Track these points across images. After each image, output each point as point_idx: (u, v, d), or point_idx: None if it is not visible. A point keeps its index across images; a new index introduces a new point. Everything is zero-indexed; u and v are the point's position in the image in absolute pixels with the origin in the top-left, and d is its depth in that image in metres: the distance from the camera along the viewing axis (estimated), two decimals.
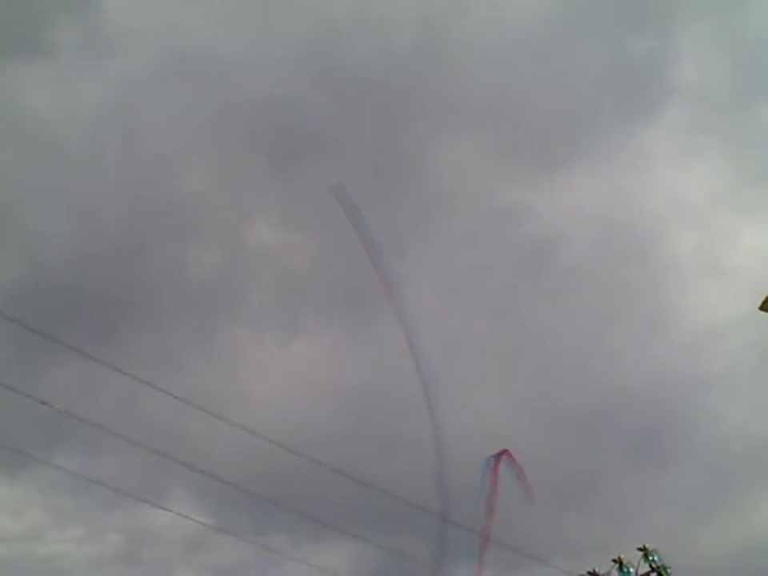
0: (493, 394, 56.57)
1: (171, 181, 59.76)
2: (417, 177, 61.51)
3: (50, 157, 57.65)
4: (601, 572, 23.34)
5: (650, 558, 22.81)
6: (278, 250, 64.34)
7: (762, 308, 15.55)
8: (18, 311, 20.38)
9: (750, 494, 59.04)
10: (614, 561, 23.29)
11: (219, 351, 67.61)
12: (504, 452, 32.27)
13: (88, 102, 60.26)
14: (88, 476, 29.65)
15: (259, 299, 65.48)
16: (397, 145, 60.70)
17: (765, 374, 59.77)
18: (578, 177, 70.48)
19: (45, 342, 19.95)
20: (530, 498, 30.42)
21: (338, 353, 66.23)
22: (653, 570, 22.76)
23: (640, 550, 22.99)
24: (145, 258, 60.78)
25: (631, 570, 23.07)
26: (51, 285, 57.91)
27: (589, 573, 23.32)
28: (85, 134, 60.13)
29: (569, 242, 67.96)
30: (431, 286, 54.80)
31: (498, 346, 61.11)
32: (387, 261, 33.86)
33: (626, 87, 68.12)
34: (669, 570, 22.72)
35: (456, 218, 61.12)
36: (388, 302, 33.97)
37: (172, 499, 49.14)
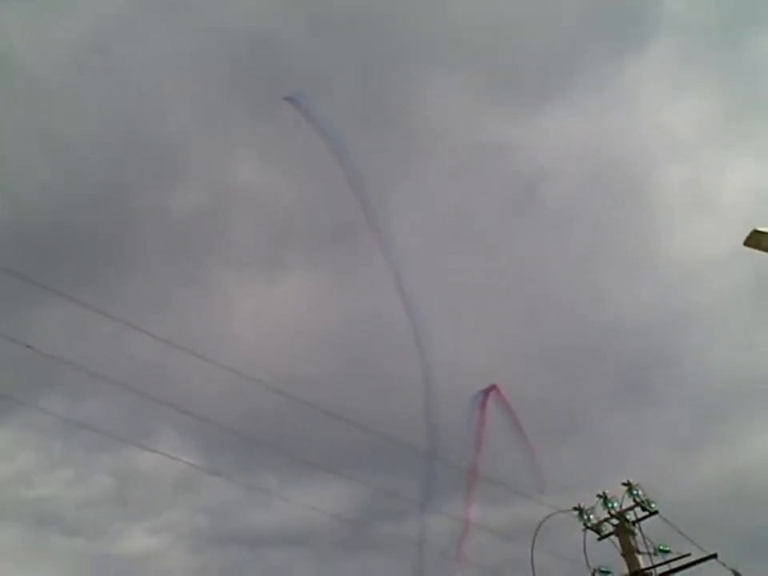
0: (479, 332, 56.89)
1: (152, 118, 58.86)
2: (403, 114, 60.88)
3: (27, 95, 56.51)
4: (586, 507, 23.66)
5: (634, 492, 23.09)
6: (263, 189, 63.88)
7: (746, 243, 15.44)
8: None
9: (734, 428, 60.07)
10: (599, 496, 23.64)
11: (204, 291, 67.63)
12: (492, 387, 32.46)
13: (64, 36, 58.92)
14: (76, 419, 29.76)
15: (244, 238, 65.26)
16: (383, 81, 59.91)
17: (750, 309, 60.32)
18: (565, 112, 69.97)
19: (28, 286, 19.76)
20: (519, 434, 30.71)
21: (325, 292, 66.34)
22: (636, 504, 23.05)
23: (624, 485, 23.25)
24: (127, 198, 60.20)
25: (615, 504, 23.40)
26: (32, 227, 57.33)
27: (574, 508, 23.66)
28: (62, 70, 58.94)
29: (556, 179, 67.78)
30: (418, 224, 54.67)
31: (484, 283, 61.28)
32: (374, 199, 33.59)
33: (613, 20, 67.22)
34: (653, 504, 23.02)
35: (443, 155, 60.70)
36: (375, 240, 33.79)
37: (160, 441, 49.53)
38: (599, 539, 23.40)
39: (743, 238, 15.06)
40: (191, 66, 58.84)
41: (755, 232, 15.10)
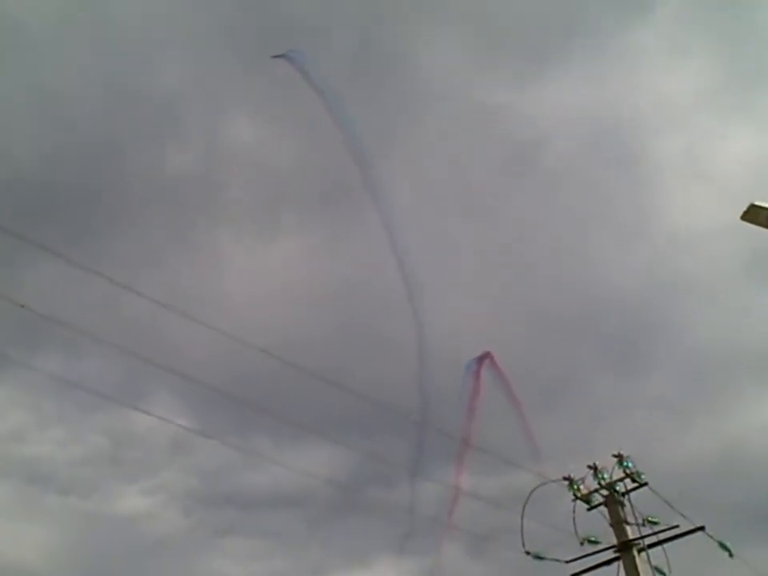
0: (472, 296, 56.84)
1: (145, 74, 58.02)
2: (401, 74, 60.17)
3: (17, 49, 55.65)
4: (576, 477, 23.77)
5: (624, 464, 23.19)
6: (258, 148, 63.30)
7: (743, 218, 15.27)
8: None
9: (726, 399, 60.46)
10: (589, 467, 23.73)
11: (198, 252, 67.34)
12: (486, 354, 32.46)
13: None
14: (69, 379, 29.72)
15: (238, 198, 64.79)
16: (380, 41, 59.18)
17: (745, 280, 60.39)
18: (564, 76, 69.28)
19: (21, 244, 19.55)
20: (514, 401, 30.78)
21: (319, 253, 66.13)
22: (626, 476, 23.16)
23: (615, 456, 23.34)
24: (120, 156, 59.56)
25: (605, 475, 23.52)
26: (24, 184, 56.82)
27: (564, 478, 23.77)
28: (53, 23, 58.00)
29: (552, 143, 67.28)
30: (413, 186, 54.32)
31: (478, 247, 61.13)
32: (370, 159, 33.31)
33: None
34: (642, 476, 23.14)
35: (440, 116, 60.06)
36: (370, 201, 33.59)
37: (154, 402, 49.58)
38: (588, 509, 23.55)
39: (741, 208, 14.91)
40: (184, 18, 57.95)
41: (753, 206, 14.92)
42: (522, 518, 22.85)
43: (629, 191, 68.35)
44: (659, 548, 22.61)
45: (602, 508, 23.52)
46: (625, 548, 22.48)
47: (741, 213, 14.95)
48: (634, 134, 69.63)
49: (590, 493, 23.48)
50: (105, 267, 21.91)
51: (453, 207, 59.39)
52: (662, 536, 22.49)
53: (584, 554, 23.01)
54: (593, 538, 23.04)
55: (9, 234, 18.76)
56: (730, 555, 23.30)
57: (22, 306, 18.39)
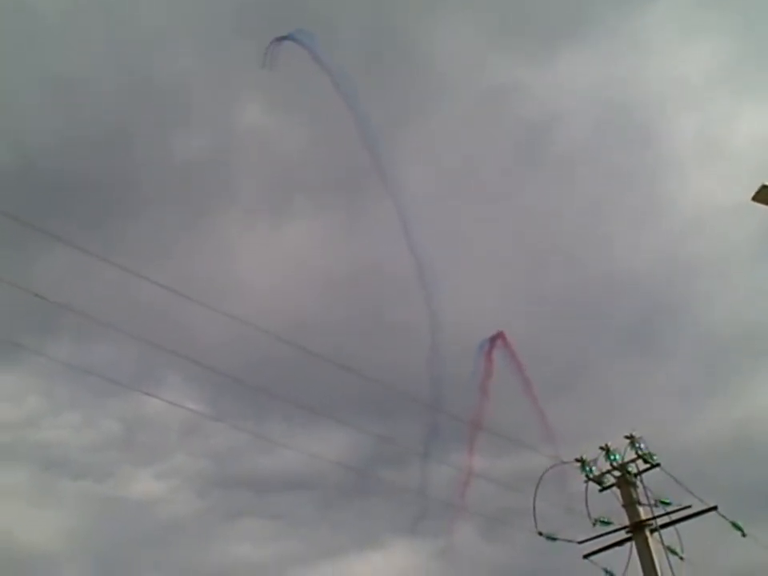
0: (485, 281, 56.73)
1: (155, 60, 57.99)
2: (412, 56, 59.88)
3: (28, 37, 55.73)
4: (588, 459, 23.80)
5: (636, 445, 23.19)
6: (269, 133, 63.20)
7: (755, 199, 15.24)
8: (3, 200, 20.02)
9: (739, 380, 60.21)
10: (601, 448, 23.76)
11: (210, 237, 67.37)
12: (499, 335, 32.48)
13: None
14: (82, 365, 29.89)
15: (250, 184, 64.76)
16: (392, 25, 58.83)
17: (759, 261, 60.00)
18: (576, 57, 68.79)
19: (33, 233, 19.67)
20: (525, 382, 30.81)
21: (331, 238, 66.08)
22: (638, 457, 23.17)
23: (627, 438, 23.34)
24: (130, 142, 59.62)
25: (617, 457, 23.54)
26: (36, 172, 57.02)
27: (576, 460, 23.81)
28: (63, 11, 58.02)
29: (564, 125, 66.81)
30: (425, 170, 54.14)
31: (491, 231, 60.96)
32: (382, 143, 33.27)
33: None
34: (654, 457, 23.14)
35: (452, 98, 59.71)
36: (382, 186, 33.58)
37: (167, 387, 49.93)
38: (601, 490, 23.60)
39: (754, 187, 14.86)
40: (195, 6, 57.85)
41: (765, 187, 14.90)
42: (534, 499, 22.95)
43: (642, 172, 67.92)
44: (672, 528, 22.68)
45: (615, 489, 23.53)
46: (637, 528, 22.52)
47: (754, 189, 14.92)
48: (647, 114, 69.21)
49: (603, 474, 23.52)
50: (117, 254, 22.08)
51: (465, 191, 59.20)
52: (674, 516, 22.55)
53: (596, 534, 23.07)
54: (605, 519, 23.09)
55: (22, 223, 18.87)
56: (743, 535, 23.32)
57: (36, 295, 18.50)
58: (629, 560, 22.41)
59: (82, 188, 61.99)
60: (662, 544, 22.39)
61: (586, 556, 23.22)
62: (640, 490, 23.23)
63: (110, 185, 59.79)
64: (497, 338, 33.12)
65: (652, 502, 22.91)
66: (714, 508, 22.38)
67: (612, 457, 23.47)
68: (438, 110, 60.09)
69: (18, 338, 22.41)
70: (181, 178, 63.67)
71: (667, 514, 22.59)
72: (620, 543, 22.80)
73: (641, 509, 22.88)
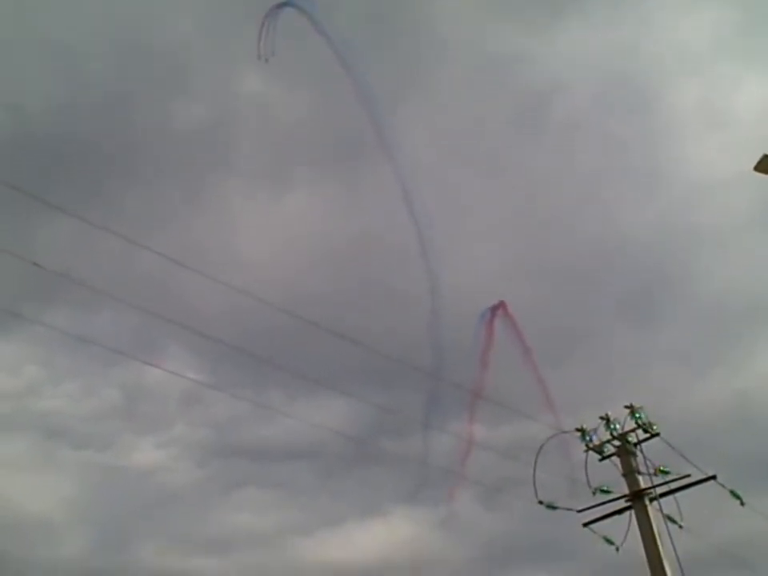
0: (486, 250, 56.63)
1: (154, 27, 57.41)
2: (413, 23, 59.23)
3: (27, 3, 55.11)
4: (588, 428, 23.85)
5: (637, 415, 23.20)
6: (269, 101, 62.69)
7: (756, 169, 15.10)
8: (1, 168, 19.88)
9: (740, 350, 60.28)
10: (602, 418, 23.79)
11: (210, 206, 67.19)
12: (500, 304, 32.45)
13: None
14: (82, 334, 29.90)
15: (250, 152, 64.35)
16: None
17: (759, 230, 59.82)
18: (579, 24, 68.08)
19: (32, 201, 19.54)
20: (526, 351, 30.82)
21: (332, 208, 65.89)
22: (638, 426, 23.20)
23: (627, 407, 23.36)
24: (130, 110, 59.15)
25: (617, 426, 23.57)
26: (35, 140, 56.66)
27: (576, 429, 23.86)
28: None
29: (567, 93, 66.29)
30: (426, 139, 53.80)
31: (492, 200, 60.75)
32: (382, 111, 33.00)
33: None
34: (654, 427, 23.17)
35: (453, 66, 59.28)
36: (383, 155, 33.38)
37: (167, 356, 49.99)
38: (600, 460, 23.67)
39: (756, 157, 14.73)
40: None
41: (766, 157, 14.77)
42: (534, 468, 23.02)
43: (644, 141, 67.57)
44: (671, 497, 22.76)
45: (615, 458, 23.59)
46: (637, 497, 22.62)
47: (756, 158, 14.79)
48: (650, 82, 68.66)
49: (603, 443, 23.57)
50: (116, 223, 21.92)
51: (467, 160, 58.90)
52: (673, 485, 22.61)
53: (596, 503, 23.18)
54: (605, 488, 23.16)
55: (20, 192, 18.73)
56: (742, 504, 23.37)
57: (35, 264, 18.40)
58: (628, 528, 22.57)
59: (82, 156, 61.63)
60: (661, 513, 22.50)
61: (585, 524, 23.36)
62: (639, 459, 23.32)
63: (109, 152, 59.49)
64: (498, 307, 33.09)
65: (651, 471, 22.97)
66: (713, 477, 22.44)
67: (612, 426, 23.51)
68: (438, 78, 59.62)
69: (18, 307, 22.36)
70: (180, 147, 63.36)
71: (666, 483, 22.66)
72: (619, 512, 22.93)
73: (640, 478, 22.96)
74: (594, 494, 23.11)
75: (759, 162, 14.86)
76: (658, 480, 22.81)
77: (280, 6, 32.98)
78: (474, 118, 58.55)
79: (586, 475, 23.28)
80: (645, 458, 23.20)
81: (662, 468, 22.94)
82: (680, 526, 22.85)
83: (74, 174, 60.60)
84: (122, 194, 64.99)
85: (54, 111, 60.59)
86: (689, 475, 22.42)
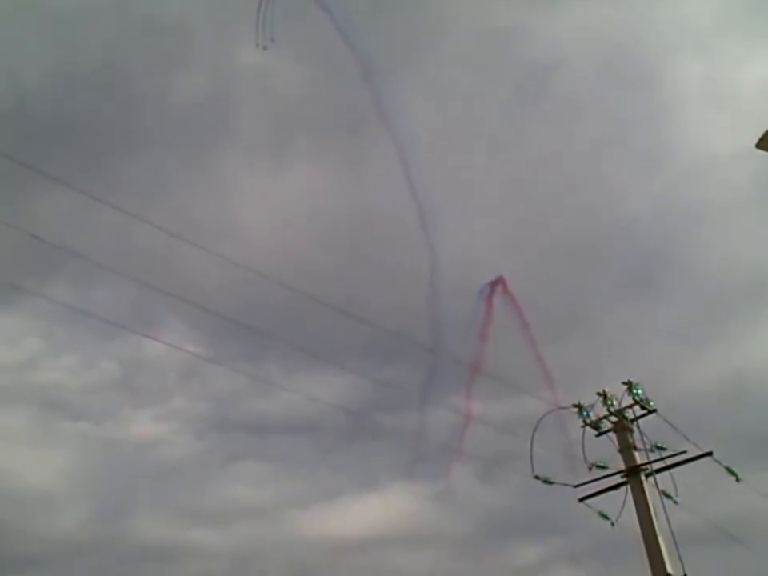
0: (486, 225, 56.50)
1: None
2: None
3: None
4: (585, 404, 23.90)
5: (634, 391, 23.26)
6: (270, 73, 62.24)
7: (758, 146, 15.01)
8: (2, 142, 19.76)
9: (739, 327, 60.35)
10: (599, 394, 23.81)
11: (209, 180, 66.89)
12: (499, 279, 32.42)
13: None
14: (81, 307, 29.88)
15: (250, 126, 64.01)
16: None
17: (761, 207, 59.68)
18: None
19: (31, 173, 19.46)
20: (525, 327, 30.84)
21: (332, 182, 65.66)
22: (636, 402, 23.26)
23: (624, 384, 23.40)
24: (129, 82, 58.76)
25: (615, 402, 23.62)
26: (34, 112, 56.33)
27: (573, 405, 23.91)
28: None
29: (569, 68, 65.78)
30: (427, 113, 53.50)
31: (492, 176, 60.52)
32: (383, 85, 32.80)
33: None
34: (651, 403, 23.24)
35: (454, 40, 58.77)
36: (383, 127, 33.21)
37: (166, 330, 50.08)
38: (597, 436, 23.73)
39: (758, 134, 14.65)
40: None
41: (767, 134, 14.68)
42: (531, 443, 23.07)
43: (645, 117, 67.19)
44: (667, 473, 22.87)
45: (611, 434, 23.66)
46: (633, 473, 22.72)
47: (759, 135, 14.71)
48: (652, 57, 68.15)
49: (600, 419, 23.63)
50: (115, 196, 21.87)
51: (467, 135, 58.57)
52: (669, 461, 22.70)
53: (592, 478, 23.28)
54: (601, 464, 23.26)
55: (19, 164, 18.66)
56: (737, 480, 23.50)
57: (34, 236, 18.37)
58: (624, 504, 22.69)
59: (80, 127, 61.35)
60: (657, 488, 22.59)
61: (581, 499, 23.46)
62: (636, 435, 23.37)
63: (108, 124, 59.21)
64: (497, 283, 33.07)
65: (648, 447, 23.05)
66: (709, 453, 22.53)
67: (609, 402, 23.54)
68: (439, 52, 59.17)
69: (17, 279, 22.37)
70: (180, 119, 63.06)
71: (663, 458, 22.76)
72: (615, 487, 23.03)
73: (636, 454, 23.05)
74: (590, 469, 23.20)
75: (761, 139, 14.76)
76: (654, 456, 22.91)
77: None
78: (475, 92, 58.24)
79: (583, 451, 23.36)
80: (641, 434, 23.28)
81: (658, 444, 23.03)
82: (675, 502, 23.01)
83: (73, 146, 60.40)
84: (121, 166, 64.70)
85: (52, 82, 60.26)
86: (685, 451, 22.51)
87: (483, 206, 58.85)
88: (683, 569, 20.82)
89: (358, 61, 32.14)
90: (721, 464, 23.16)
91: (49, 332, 69.53)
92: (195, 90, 63.36)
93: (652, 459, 22.88)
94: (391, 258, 54.27)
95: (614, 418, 23.60)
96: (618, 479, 23.03)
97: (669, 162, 68.13)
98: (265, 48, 31.78)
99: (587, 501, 23.47)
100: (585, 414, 23.69)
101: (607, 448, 23.52)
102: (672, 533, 21.46)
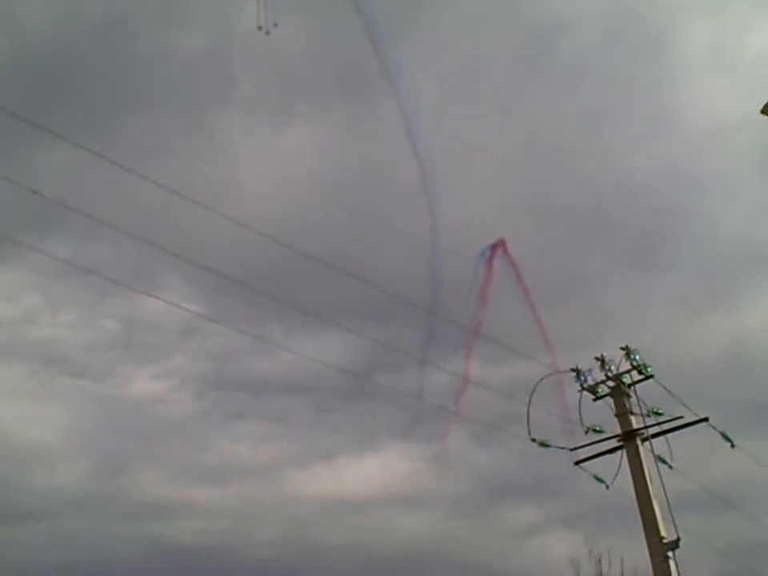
0: (487, 191, 56.30)
1: None
2: None
3: None
4: (583, 369, 23.98)
5: (632, 357, 23.33)
6: (272, 32, 61.50)
7: (763, 112, 14.92)
8: (1, 96, 19.59)
9: (740, 296, 60.41)
10: (597, 359, 23.90)
11: (209, 138, 66.51)
12: (500, 242, 32.37)
13: None
14: (81, 264, 29.87)
15: (251, 85, 63.54)
16: None
17: (766, 175, 59.41)
18: None
19: (31, 129, 19.31)
20: (524, 290, 30.83)
21: (334, 142, 65.30)
22: (633, 368, 23.34)
23: (622, 349, 23.47)
24: (130, 39, 58.15)
25: (612, 367, 23.70)
26: (32, 64, 55.80)
27: (571, 369, 24.01)
28: None
29: (574, 31, 65.03)
30: (429, 75, 52.99)
31: (495, 140, 60.17)
32: (387, 46, 32.47)
33: None
34: (649, 369, 23.31)
35: (457, 2, 58.04)
36: (386, 89, 32.97)
37: (165, 287, 50.10)
38: (594, 400, 23.86)
39: (764, 100, 14.56)
40: None
41: None
42: (528, 406, 23.22)
43: (651, 82, 66.55)
44: (662, 438, 23.02)
45: (608, 399, 23.78)
46: (629, 437, 22.88)
47: (761, 108, 14.64)
48: (660, 22, 67.30)
49: (597, 384, 23.72)
50: (115, 153, 21.67)
51: (470, 97, 58.09)
52: (665, 426, 22.85)
53: (588, 442, 23.45)
54: (598, 428, 23.42)
55: (18, 118, 18.49)
56: (732, 446, 23.67)
57: (34, 191, 18.26)
58: (619, 467, 22.87)
59: (81, 83, 60.87)
60: (653, 453, 22.77)
61: (577, 463, 23.66)
62: (633, 400, 23.48)
63: (109, 80, 58.68)
64: (498, 245, 33.00)
65: (644, 412, 23.18)
66: (705, 419, 22.67)
67: (607, 367, 23.62)
68: (443, 14, 58.40)
69: (17, 235, 22.30)
70: (181, 77, 62.49)
71: (659, 423, 22.91)
72: (611, 451, 23.20)
73: (633, 419, 23.18)
74: (586, 433, 23.38)
75: (766, 105, 14.68)
76: (650, 421, 23.06)
77: None
78: (479, 55, 57.68)
79: (580, 415, 23.54)
80: (638, 399, 23.39)
81: (654, 409, 23.16)
82: (670, 467, 23.16)
83: (73, 101, 59.92)
84: (121, 123, 64.31)
85: (52, 35, 59.63)
86: (681, 417, 22.65)
87: (485, 168, 58.62)
88: (677, 533, 21.05)
89: (362, 21, 31.73)
90: (716, 429, 23.31)
91: (48, 288, 69.50)
92: (194, 46, 62.75)
93: (648, 424, 23.03)
94: (392, 219, 54.17)
95: (611, 383, 23.70)
96: (614, 443, 23.21)
97: (674, 128, 67.66)
98: (267, 33, 31.19)
99: (583, 464, 23.69)
100: (582, 378, 23.79)
101: (604, 413, 23.68)
102: (666, 497, 21.70)
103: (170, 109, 67.20)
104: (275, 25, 31.28)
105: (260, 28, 31.27)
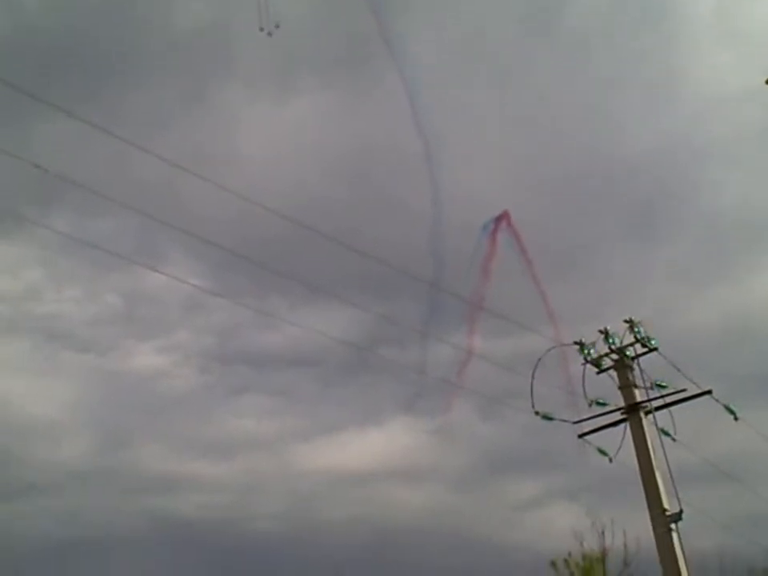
0: (491, 163, 55.99)
1: None
2: None
3: None
4: (587, 342, 23.95)
5: (635, 329, 23.30)
6: (274, 2, 60.91)
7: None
8: (2, 69, 19.45)
9: (743, 268, 60.25)
10: (600, 332, 23.87)
11: (211, 112, 66.18)
12: (504, 214, 32.28)
13: None
14: (84, 238, 29.79)
15: (253, 56, 63.02)
16: None
17: None
18: None
19: (32, 102, 19.17)
20: (528, 263, 30.77)
21: (336, 114, 64.94)
22: (637, 341, 23.32)
23: (626, 322, 23.43)
24: (131, 10, 57.62)
25: (616, 340, 23.68)
26: (33, 37, 55.39)
27: (575, 342, 23.98)
28: None
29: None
30: (433, 46, 52.54)
31: (499, 111, 59.74)
32: (389, 18, 32.22)
33: None
34: (653, 341, 23.29)
35: None
36: (389, 62, 32.76)
37: (168, 262, 50.11)
38: (598, 373, 23.85)
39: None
40: None
41: None
42: (532, 379, 23.20)
43: (656, 51, 65.92)
44: (666, 411, 23.05)
45: (612, 372, 23.77)
46: (632, 410, 22.88)
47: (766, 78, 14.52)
48: None
49: (601, 357, 23.70)
50: (117, 126, 21.55)
51: (473, 68, 57.60)
52: (669, 399, 22.86)
53: (592, 415, 23.48)
54: (601, 401, 23.44)
55: (20, 92, 18.35)
56: (735, 419, 23.70)
57: (36, 166, 18.15)
58: (622, 440, 22.90)
59: (81, 55, 60.48)
60: (656, 426, 22.79)
61: (580, 436, 23.70)
62: (636, 373, 23.48)
63: (109, 53, 58.26)
64: (501, 217, 32.90)
65: (648, 385, 23.19)
66: (709, 392, 22.66)
67: (610, 340, 23.60)
68: None
69: (19, 209, 22.26)
70: (183, 48, 62.04)
71: (662, 396, 22.91)
72: (615, 424, 23.21)
73: (636, 391, 23.18)
74: (590, 406, 23.39)
75: None
76: (653, 394, 23.07)
77: None
78: (483, 24, 57.07)
79: (583, 388, 23.52)
80: (642, 372, 23.39)
81: (658, 382, 23.17)
82: (674, 440, 23.21)
83: (74, 74, 59.56)
84: (122, 96, 63.92)
85: (53, 7, 59.13)
86: (685, 390, 22.67)
87: (488, 141, 58.25)
88: (680, 505, 21.16)
89: None
90: (720, 402, 23.32)
91: (51, 262, 69.41)
92: (196, 16, 62.20)
93: (652, 397, 23.05)
94: (395, 192, 53.97)
95: (614, 356, 23.67)
96: (617, 416, 23.21)
97: (678, 98, 67.17)
98: (269, 34, 30.63)
99: (586, 437, 23.73)
100: (586, 351, 23.77)
101: (608, 385, 23.68)
102: (669, 470, 21.78)
103: (171, 81, 66.91)
104: (277, 26, 30.81)
105: (262, 29, 30.81)
